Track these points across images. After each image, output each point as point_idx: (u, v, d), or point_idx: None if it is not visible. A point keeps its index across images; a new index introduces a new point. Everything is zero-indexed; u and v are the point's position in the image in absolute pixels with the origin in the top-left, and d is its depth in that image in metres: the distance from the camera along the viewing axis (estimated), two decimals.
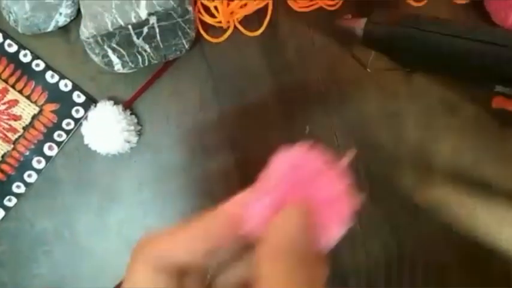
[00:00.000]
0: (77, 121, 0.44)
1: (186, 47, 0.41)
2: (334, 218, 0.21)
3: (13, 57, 0.43)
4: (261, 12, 0.43)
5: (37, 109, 0.43)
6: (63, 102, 0.43)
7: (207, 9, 0.42)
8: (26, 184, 0.44)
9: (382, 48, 0.36)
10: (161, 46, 0.41)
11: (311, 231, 0.21)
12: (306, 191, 0.21)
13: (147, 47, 0.40)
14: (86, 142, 0.42)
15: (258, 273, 0.20)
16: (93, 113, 0.42)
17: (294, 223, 0.21)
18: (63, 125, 0.44)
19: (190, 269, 0.22)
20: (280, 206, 0.21)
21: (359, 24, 0.36)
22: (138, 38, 0.40)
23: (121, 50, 0.40)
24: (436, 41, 0.30)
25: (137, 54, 0.41)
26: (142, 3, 0.38)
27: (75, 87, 0.43)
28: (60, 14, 0.41)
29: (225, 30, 0.43)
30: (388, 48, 0.35)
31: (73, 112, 0.43)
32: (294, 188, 0.22)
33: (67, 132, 0.44)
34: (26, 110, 0.43)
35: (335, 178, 0.21)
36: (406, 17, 0.33)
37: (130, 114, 0.43)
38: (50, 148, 0.44)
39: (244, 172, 0.43)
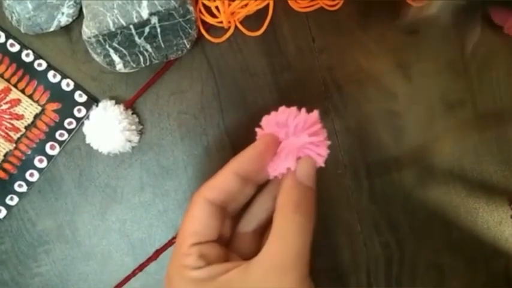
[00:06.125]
0: (79, 120, 0.44)
1: (188, 46, 0.42)
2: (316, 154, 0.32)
3: (15, 57, 0.43)
4: (261, 13, 0.43)
5: (39, 108, 0.44)
6: (65, 102, 0.44)
7: (208, 9, 0.43)
8: (28, 183, 0.44)
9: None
10: (162, 46, 0.41)
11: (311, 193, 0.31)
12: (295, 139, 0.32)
13: (148, 46, 0.41)
14: (87, 141, 0.42)
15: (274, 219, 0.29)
16: (94, 112, 0.42)
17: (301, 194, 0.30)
18: (65, 124, 0.44)
19: (229, 202, 0.31)
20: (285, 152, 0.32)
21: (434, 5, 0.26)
22: (139, 38, 0.40)
23: (123, 49, 0.40)
24: None
25: (139, 54, 0.41)
26: (144, 3, 0.39)
27: (77, 86, 0.44)
28: (63, 14, 0.42)
29: (226, 30, 0.43)
30: None
31: (75, 111, 0.44)
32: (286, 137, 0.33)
33: (69, 131, 0.44)
34: (28, 109, 0.44)
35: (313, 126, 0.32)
36: None
37: (132, 113, 0.44)
38: (52, 147, 0.44)
39: None
